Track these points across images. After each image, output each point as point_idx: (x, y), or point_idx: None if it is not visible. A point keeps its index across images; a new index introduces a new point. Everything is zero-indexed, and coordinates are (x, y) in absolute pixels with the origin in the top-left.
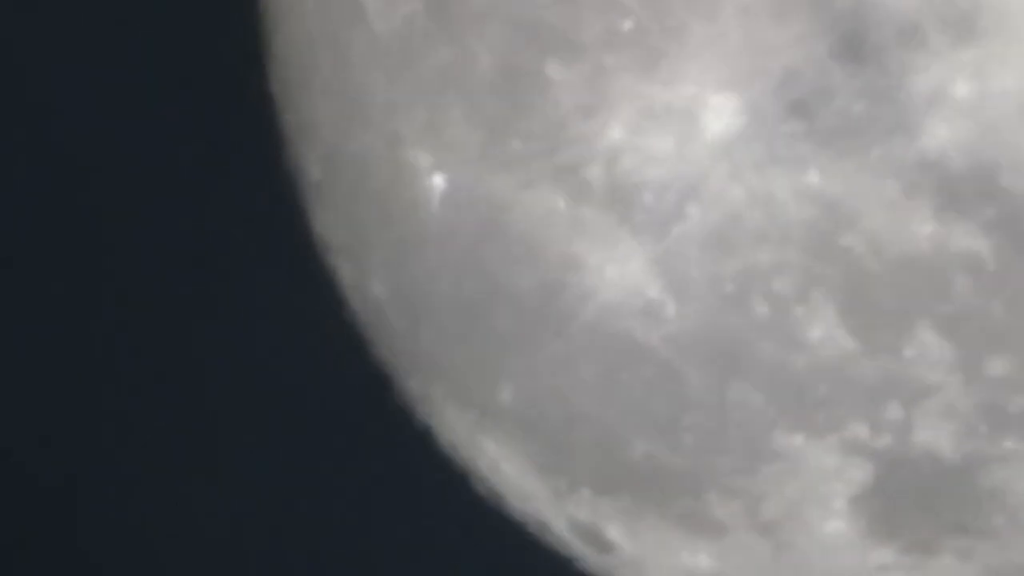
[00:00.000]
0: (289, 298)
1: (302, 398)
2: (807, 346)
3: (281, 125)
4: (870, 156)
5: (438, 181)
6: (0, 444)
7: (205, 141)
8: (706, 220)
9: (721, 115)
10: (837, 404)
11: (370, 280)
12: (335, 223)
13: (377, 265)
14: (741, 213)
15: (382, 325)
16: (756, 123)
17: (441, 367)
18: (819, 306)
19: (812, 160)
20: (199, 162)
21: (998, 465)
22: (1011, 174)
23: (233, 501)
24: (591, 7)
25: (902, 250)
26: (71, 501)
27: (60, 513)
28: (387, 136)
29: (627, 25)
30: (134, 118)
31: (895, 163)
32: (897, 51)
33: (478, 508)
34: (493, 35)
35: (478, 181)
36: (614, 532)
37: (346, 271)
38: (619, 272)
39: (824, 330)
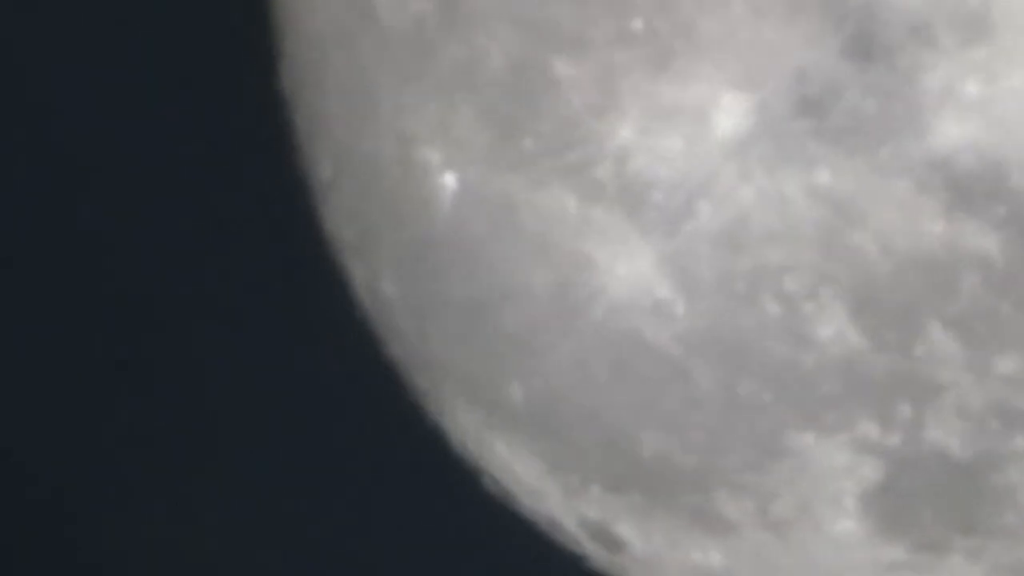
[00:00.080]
0: (299, 297)
1: (312, 397)
2: (817, 344)
3: (291, 124)
4: (880, 155)
5: (449, 180)
6: (0, 444)
7: (215, 140)
8: (716, 219)
9: (731, 114)
10: (847, 402)
11: (380, 279)
12: (345, 222)
13: (387, 264)
14: (751, 212)
15: (392, 324)
16: (766, 122)
17: (451, 366)
18: (829, 304)
19: (822, 159)
20: (208, 161)
21: (1009, 464)
22: (1021, 173)
23: (243, 500)
24: (601, 6)
25: (912, 249)
26: (74, 501)
27: (60, 513)
28: (398, 135)
29: (637, 24)
30: (142, 117)
31: (905, 162)
32: (907, 49)
33: (488, 507)
34: (503, 34)
35: (488, 180)
36: (624, 530)
37: (356, 270)
38: (629, 271)
39: (834, 328)
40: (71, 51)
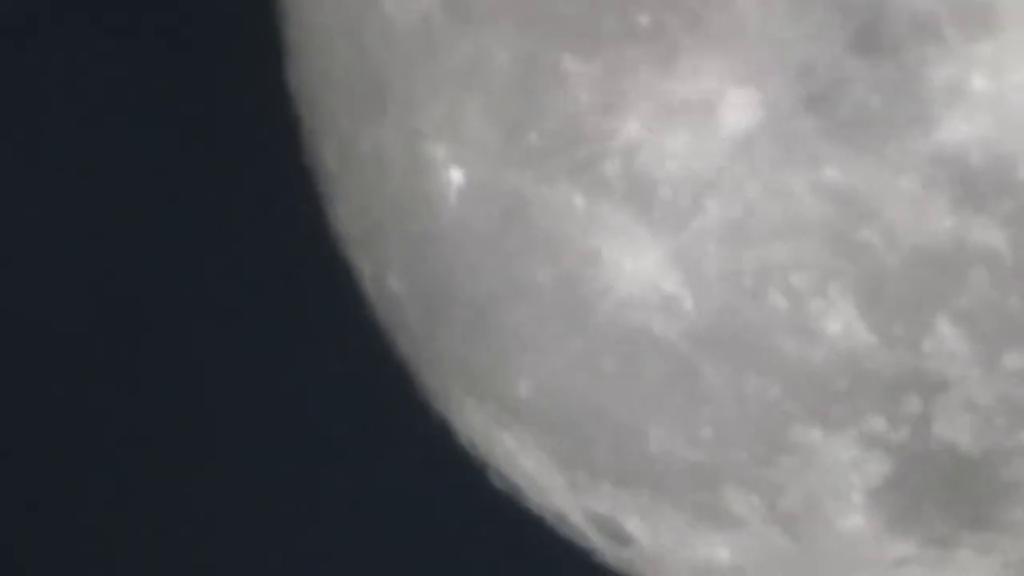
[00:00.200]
0: (305, 293)
1: (318, 393)
2: (825, 339)
3: (297, 119)
4: (887, 150)
5: (455, 175)
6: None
7: (220, 135)
8: (724, 214)
9: (738, 109)
10: (855, 397)
11: (387, 274)
12: (351, 218)
13: (394, 259)
14: (758, 207)
15: (399, 320)
16: (773, 117)
17: (458, 362)
18: (837, 300)
19: (829, 154)
20: (214, 156)
21: (1017, 458)
22: None
23: (248, 498)
24: (608, 2)
25: (919, 244)
26: (74, 501)
27: (60, 513)
28: (404, 130)
29: (644, 19)
30: (147, 112)
31: (912, 157)
32: (914, 44)
33: (495, 502)
34: (510, 30)
35: (495, 176)
36: (632, 525)
37: (363, 266)
38: (637, 266)
39: (842, 324)
40: (74, 49)
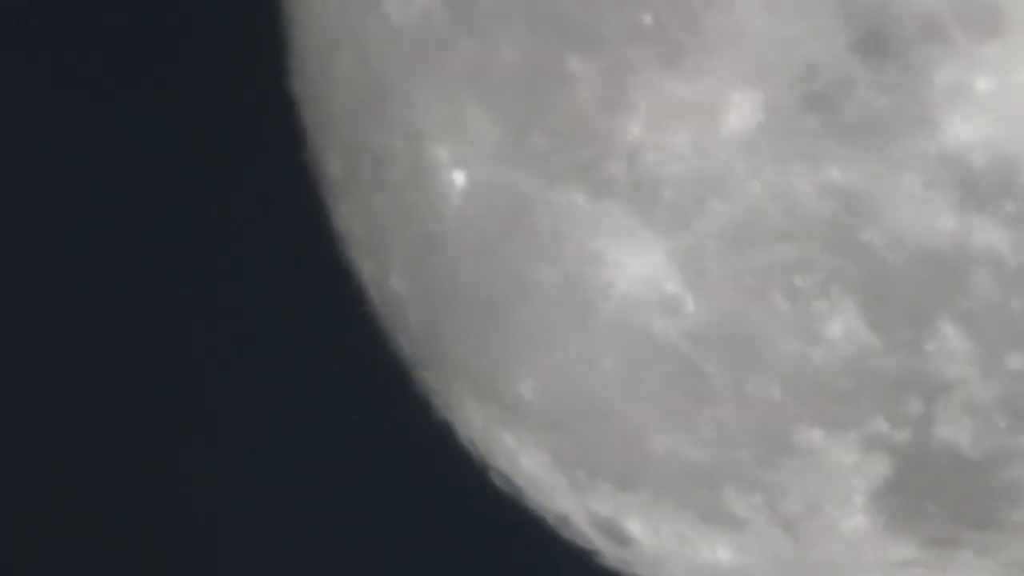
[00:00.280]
0: (308, 293)
1: (321, 393)
2: (827, 341)
3: (301, 122)
4: (890, 151)
5: (458, 176)
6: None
7: (224, 138)
8: (726, 215)
9: (741, 110)
10: (857, 399)
11: (390, 275)
12: (355, 219)
13: (397, 260)
14: (761, 208)
15: (401, 320)
16: (776, 118)
17: (460, 362)
18: (839, 301)
19: (832, 155)
20: (218, 159)
21: (1018, 460)
22: None
23: (250, 495)
24: (611, 2)
25: (922, 245)
26: (75, 500)
27: (61, 512)
28: (407, 131)
29: (647, 20)
30: (152, 115)
31: (916, 158)
32: (918, 45)
33: (497, 502)
34: (513, 30)
35: (499, 176)
36: (634, 526)
37: (366, 266)
38: (639, 267)
39: (844, 325)
40: (80, 45)
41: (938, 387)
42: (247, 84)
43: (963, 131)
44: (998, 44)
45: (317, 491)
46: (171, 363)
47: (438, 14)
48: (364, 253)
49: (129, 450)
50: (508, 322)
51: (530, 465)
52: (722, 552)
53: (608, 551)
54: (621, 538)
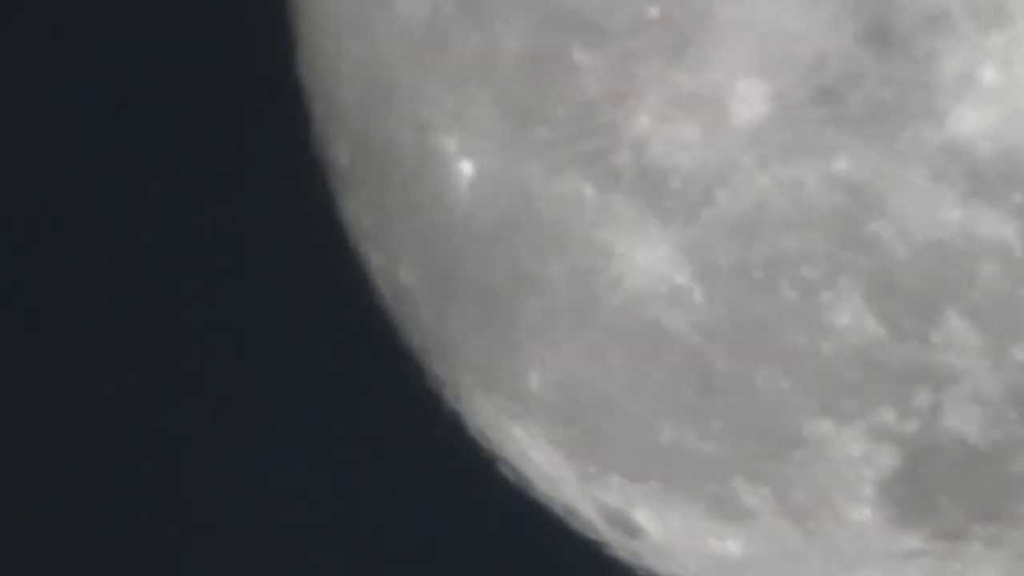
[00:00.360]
0: (316, 285)
1: (330, 385)
2: (834, 332)
3: (308, 113)
4: (897, 142)
5: (466, 167)
6: (2, 441)
7: (232, 129)
8: (734, 207)
9: (748, 102)
10: (865, 390)
11: (397, 267)
12: (362, 210)
13: (404, 252)
14: (769, 200)
15: (409, 312)
16: (784, 109)
17: (469, 353)
18: (846, 292)
19: (839, 146)
20: (228, 149)
21: None
22: None
23: (259, 486)
24: None
25: (929, 236)
26: (81, 496)
27: (60, 513)
28: (415, 123)
29: (654, 11)
30: (160, 106)
31: (922, 149)
32: (924, 37)
33: (506, 493)
34: (520, 22)
35: (505, 168)
36: (642, 517)
37: (374, 257)
38: (647, 259)
39: (851, 316)
40: (89, 39)
41: (946, 378)
42: (256, 76)
43: (970, 122)
44: (1004, 36)
45: (327, 482)
46: (177, 356)
47: (446, 6)
48: (372, 244)
49: (136, 444)
50: (516, 314)
51: (539, 457)
52: (731, 543)
53: (617, 542)
54: (630, 529)
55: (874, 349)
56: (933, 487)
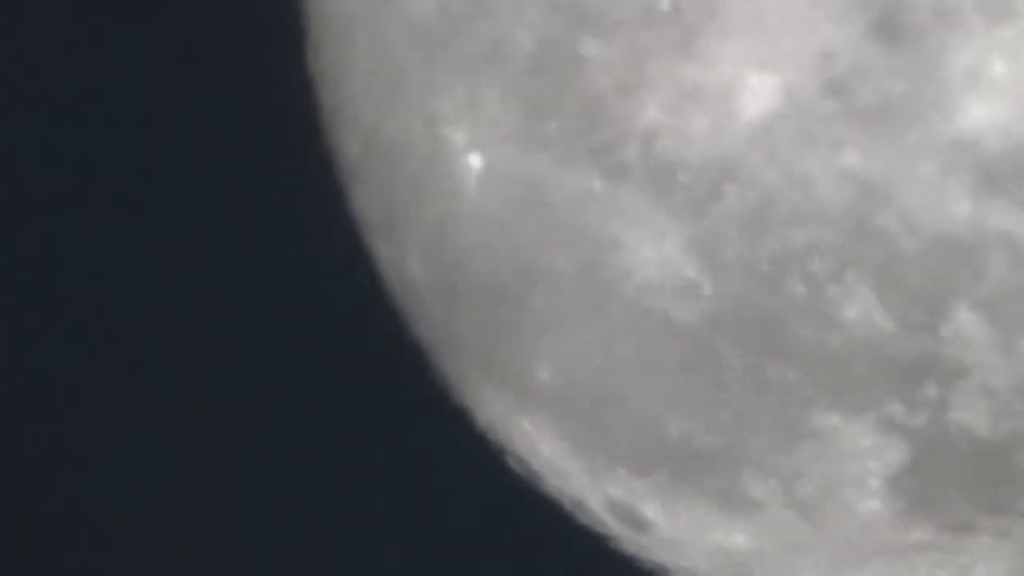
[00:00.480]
0: (325, 277)
1: (338, 378)
2: (843, 325)
3: (318, 105)
4: (906, 136)
5: (475, 160)
6: (5, 439)
7: (242, 121)
8: (743, 200)
9: (758, 95)
10: (873, 383)
11: (406, 259)
12: (372, 203)
13: (413, 244)
14: (778, 193)
15: (418, 305)
16: (793, 103)
17: (477, 347)
18: (855, 286)
19: (849, 140)
20: (238, 142)
21: None
22: None
23: (267, 478)
24: None
25: (938, 230)
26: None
27: (62, 511)
28: (424, 116)
29: (663, 4)
30: (171, 98)
31: (931, 143)
32: (934, 30)
33: (514, 486)
34: (530, 14)
35: (515, 160)
36: (650, 510)
37: (384, 250)
38: (656, 252)
39: (860, 309)
40: (98, 33)
41: (954, 371)
42: (264, 68)
43: (979, 116)
44: (1013, 28)
45: (332, 476)
46: (182, 349)
47: (457, 0)
48: (381, 237)
49: (137, 443)
50: (524, 307)
51: (547, 450)
52: (738, 536)
53: (625, 536)
54: (638, 523)
55: (883, 342)
56: (941, 480)
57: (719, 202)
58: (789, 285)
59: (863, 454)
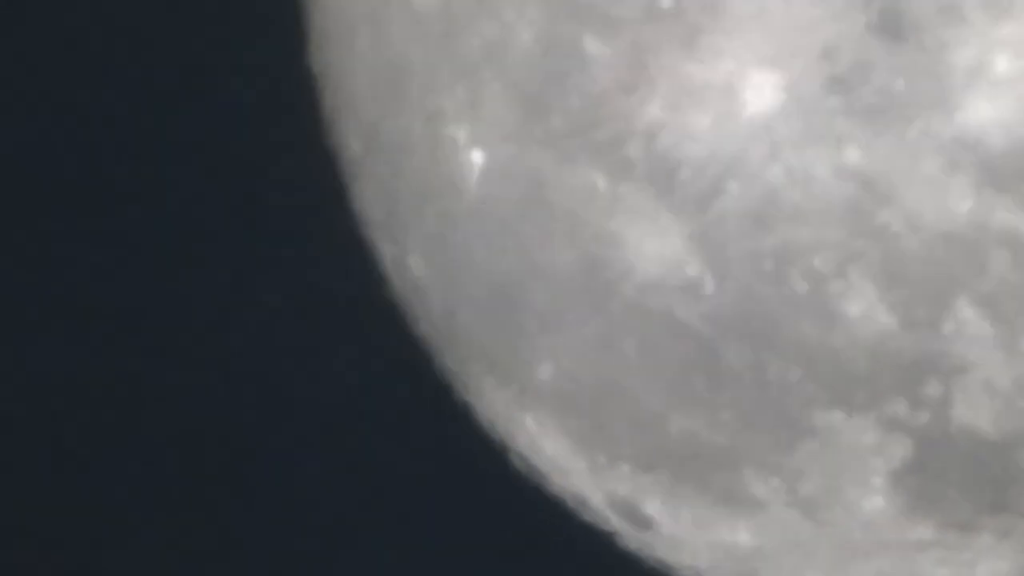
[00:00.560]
0: (327, 275)
1: (340, 376)
2: (846, 322)
3: (320, 102)
4: (909, 132)
5: (477, 157)
6: (6, 440)
7: (244, 118)
8: (745, 197)
9: (760, 91)
10: (876, 381)
11: (409, 257)
12: (374, 200)
13: (416, 242)
14: (780, 190)
15: (420, 302)
16: (795, 99)
17: (479, 344)
18: (857, 283)
19: (851, 136)
20: (237, 139)
21: None
22: None
23: (269, 476)
24: None
25: (941, 226)
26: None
27: (62, 513)
28: (426, 112)
29: (665, 2)
30: (171, 94)
31: (934, 139)
32: (936, 26)
33: (517, 484)
34: (532, 11)
35: (517, 157)
36: (652, 508)
37: (385, 248)
38: (658, 249)
39: (863, 307)
40: (99, 29)
41: (957, 369)
42: (265, 63)
43: (982, 112)
44: (1016, 25)
45: (333, 473)
46: (184, 347)
47: None
48: (383, 235)
49: (141, 444)
50: (527, 303)
51: (549, 447)
52: (741, 534)
53: (627, 533)
54: (640, 520)
55: (885, 339)
56: (944, 478)
57: (721, 199)
58: (791, 282)
59: (865, 452)
